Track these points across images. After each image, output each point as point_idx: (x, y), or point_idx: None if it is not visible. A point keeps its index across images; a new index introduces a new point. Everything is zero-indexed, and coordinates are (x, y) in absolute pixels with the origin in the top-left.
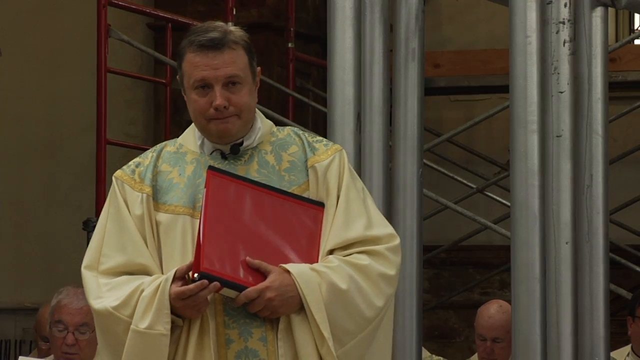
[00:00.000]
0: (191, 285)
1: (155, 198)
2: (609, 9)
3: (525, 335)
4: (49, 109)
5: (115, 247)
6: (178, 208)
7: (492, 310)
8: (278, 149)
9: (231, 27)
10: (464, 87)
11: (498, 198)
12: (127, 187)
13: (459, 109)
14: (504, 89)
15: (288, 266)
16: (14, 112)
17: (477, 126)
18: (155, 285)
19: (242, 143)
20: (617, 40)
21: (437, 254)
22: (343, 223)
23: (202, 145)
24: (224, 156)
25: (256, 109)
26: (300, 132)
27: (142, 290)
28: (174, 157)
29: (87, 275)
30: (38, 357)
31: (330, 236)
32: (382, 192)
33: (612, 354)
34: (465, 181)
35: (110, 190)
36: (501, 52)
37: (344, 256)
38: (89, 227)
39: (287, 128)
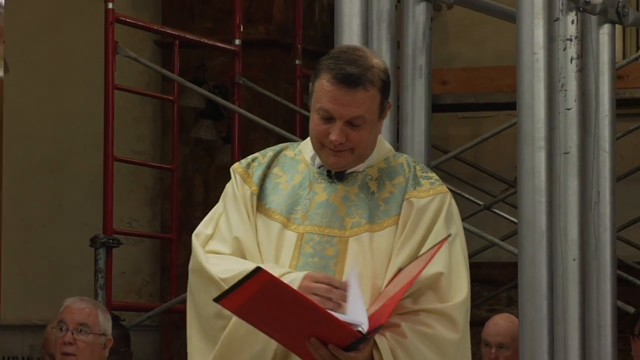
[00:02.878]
0: (323, 286)
1: (260, 198)
2: (616, 26)
3: (532, 352)
4: (56, 126)
5: (227, 232)
6: (275, 215)
7: (498, 318)
8: (385, 177)
9: (374, 61)
10: (471, 104)
11: (505, 215)
12: (239, 179)
13: (466, 125)
14: (511, 105)
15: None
16: (21, 128)
17: (484, 143)
18: (278, 273)
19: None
20: (624, 57)
21: None
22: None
23: (313, 157)
24: (329, 174)
25: (379, 137)
26: (414, 164)
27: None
28: (289, 162)
29: (196, 244)
30: None
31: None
32: None
33: None
34: (472, 198)
35: (229, 183)
36: (508, 69)
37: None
38: (96, 244)
39: (404, 157)
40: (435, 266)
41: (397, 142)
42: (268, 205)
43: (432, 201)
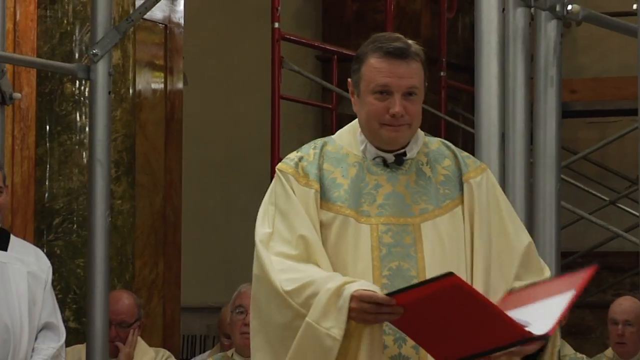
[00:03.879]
0: (380, 296)
1: (321, 195)
2: None
3: None
4: (229, 131)
5: (289, 232)
6: (343, 209)
7: (623, 299)
8: (433, 161)
9: (409, 40)
10: (598, 111)
11: (629, 209)
12: (292, 179)
13: (593, 129)
14: (634, 112)
15: None
16: (199, 133)
17: (609, 145)
18: (336, 286)
19: (404, 154)
20: None
21: (574, 260)
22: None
23: (364, 150)
24: (385, 164)
25: None
26: (450, 145)
27: (316, 284)
28: (335, 157)
29: (261, 247)
30: (220, 351)
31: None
32: (523, 204)
33: None
34: (599, 194)
35: (274, 183)
36: (632, 80)
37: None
38: None
39: (437, 140)
40: (525, 236)
41: (531, 144)
42: (333, 201)
43: (484, 178)
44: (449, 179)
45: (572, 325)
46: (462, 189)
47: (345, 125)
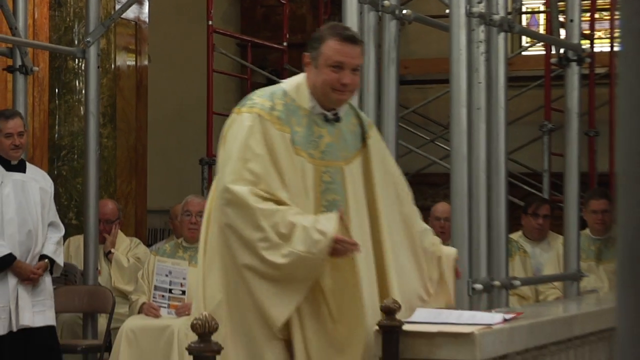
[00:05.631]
0: (350, 240)
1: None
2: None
3: None
4: (179, 94)
5: (263, 173)
6: (299, 151)
7: (441, 204)
8: (346, 118)
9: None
10: (422, 80)
11: (442, 145)
12: (269, 124)
13: (419, 93)
14: (446, 81)
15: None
16: (159, 95)
17: (430, 103)
18: (315, 221)
19: (337, 113)
20: (512, 52)
21: (407, 178)
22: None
23: (312, 107)
24: (326, 119)
25: None
26: (353, 105)
27: (294, 215)
28: (291, 108)
29: (240, 188)
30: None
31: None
32: None
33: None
34: (423, 135)
35: (249, 122)
36: (445, 60)
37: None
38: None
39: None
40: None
41: (380, 102)
42: (294, 144)
43: (374, 131)
44: (357, 132)
45: None
46: (364, 139)
47: (267, 86)
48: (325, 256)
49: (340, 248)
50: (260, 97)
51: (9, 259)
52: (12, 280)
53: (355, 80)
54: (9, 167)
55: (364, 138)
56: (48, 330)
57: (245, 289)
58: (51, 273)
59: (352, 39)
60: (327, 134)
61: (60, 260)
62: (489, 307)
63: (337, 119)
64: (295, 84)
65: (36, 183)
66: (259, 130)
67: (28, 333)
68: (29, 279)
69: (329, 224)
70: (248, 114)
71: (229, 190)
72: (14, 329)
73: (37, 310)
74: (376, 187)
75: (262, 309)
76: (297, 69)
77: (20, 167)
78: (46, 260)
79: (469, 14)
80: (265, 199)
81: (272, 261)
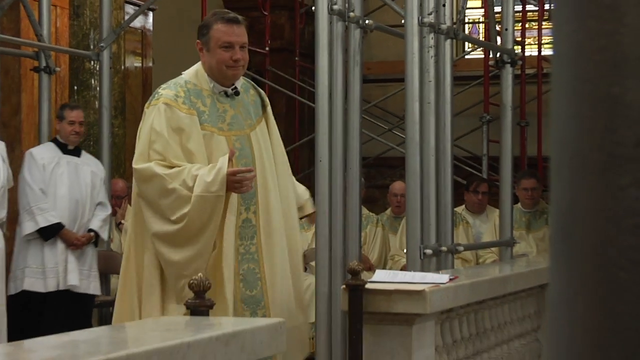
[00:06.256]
0: (244, 168)
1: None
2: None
3: None
4: None
5: (168, 150)
6: (208, 127)
7: (397, 183)
8: (245, 91)
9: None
10: (382, 80)
11: (399, 133)
12: (176, 110)
13: (379, 90)
14: (402, 80)
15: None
16: None
17: (388, 98)
18: (211, 165)
19: (236, 87)
20: (457, 55)
21: (369, 162)
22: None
23: (213, 87)
24: (227, 95)
25: None
26: (248, 80)
27: (192, 169)
28: (194, 92)
29: (149, 165)
30: None
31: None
32: (341, 131)
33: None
34: (382, 125)
35: (156, 111)
36: (401, 62)
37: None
38: None
39: (240, 77)
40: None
41: (346, 98)
42: (202, 122)
43: (268, 103)
44: (256, 102)
45: (366, 199)
46: (263, 109)
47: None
48: (222, 192)
49: (237, 179)
50: (164, 89)
51: (58, 227)
52: (60, 245)
53: (245, 55)
54: (65, 151)
55: (263, 105)
56: (90, 298)
57: (153, 251)
58: (96, 245)
59: (235, 20)
60: (230, 108)
61: (104, 234)
62: (438, 269)
63: (236, 92)
64: (193, 71)
65: (88, 167)
66: (164, 116)
67: (73, 295)
68: (74, 245)
69: (220, 162)
70: (154, 106)
71: (136, 170)
72: (61, 287)
73: (83, 277)
74: (274, 145)
75: (168, 262)
76: (278, 69)
77: (76, 152)
78: (92, 233)
79: (421, 24)
80: (171, 168)
81: (180, 214)
